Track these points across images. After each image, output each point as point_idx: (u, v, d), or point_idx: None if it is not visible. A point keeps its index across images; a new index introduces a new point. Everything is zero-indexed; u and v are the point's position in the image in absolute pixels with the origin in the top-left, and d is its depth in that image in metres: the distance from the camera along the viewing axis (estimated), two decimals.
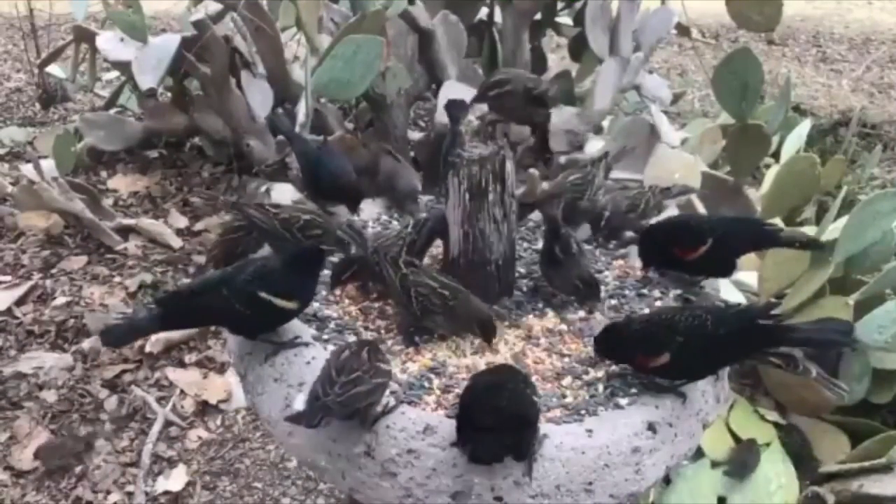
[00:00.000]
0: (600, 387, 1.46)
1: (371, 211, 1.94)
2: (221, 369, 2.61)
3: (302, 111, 2.48)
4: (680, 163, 2.70)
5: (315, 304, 1.60)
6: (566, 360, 1.52)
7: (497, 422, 1.24)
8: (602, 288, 1.68)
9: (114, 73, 3.95)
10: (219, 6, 3.06)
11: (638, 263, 1.80)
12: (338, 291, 1.64)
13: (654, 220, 1.79)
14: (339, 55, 2.36)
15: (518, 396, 1.30)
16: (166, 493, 2.28)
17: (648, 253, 1.72)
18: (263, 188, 2.52)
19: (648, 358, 1.42)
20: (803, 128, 3.00)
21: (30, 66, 4.13)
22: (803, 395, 2.37)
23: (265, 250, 1.75)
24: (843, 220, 2.37)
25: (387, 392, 1.36)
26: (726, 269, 1.74)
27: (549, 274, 1.68)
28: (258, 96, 3.09)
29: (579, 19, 3.23)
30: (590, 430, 1.34)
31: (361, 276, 1.64)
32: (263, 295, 1.43)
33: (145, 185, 3.46)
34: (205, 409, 2.52)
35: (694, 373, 1.44)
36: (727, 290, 2.29)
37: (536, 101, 1.70)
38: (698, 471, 2.23)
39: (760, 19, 2.85)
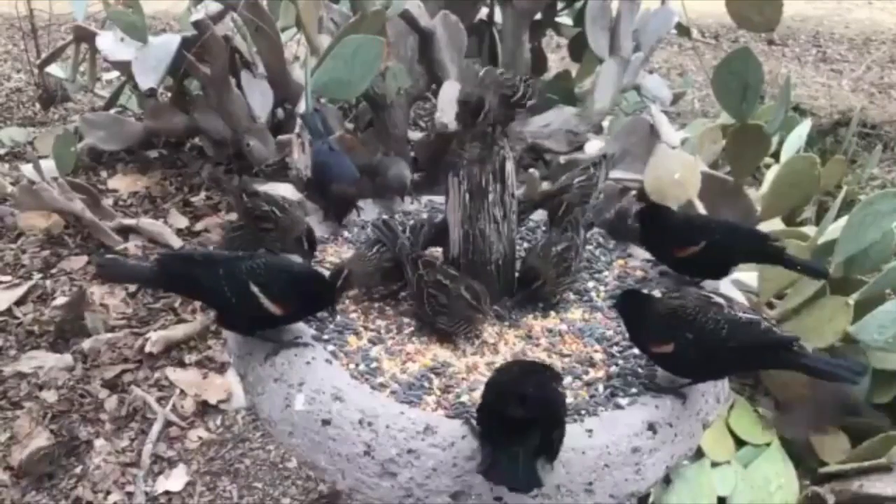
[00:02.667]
0: (600, 387, 1.46)
1: (372, 211, 1.95)
2: (221, 369, 2.61)
3: (302, 111, 2.48)
4: (680, 163, 2.69)
5: None
6: (566, 360, 1.52)
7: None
8: (603, 290, 1.69)
9: (114, 73, 3.95)
10: (219, 6, 3.06)
11: (638, 263, 1.80)
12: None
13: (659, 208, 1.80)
14: (339, 55, 2.35)
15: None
16: (166, 493, 2.27)
17: (646, 237, 1.74)
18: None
19: (655, 343, 1.43)
20: (803, 128, 2.99)
21: (30, 66, 4.13)
22: (803, 395, 2.37)
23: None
24: (843, 220, 2.37)
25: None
26: (717, 273, 1.74)
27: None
28: (258, 96, 3.10)
29: (579, 19, 3.23)
30: (590, 431, 1.34)
31: (351, 285, 1.62)
32: (254, 289, 1.43)
33: (145, 185, 3.46)
34: (205, 409, 2.52)
35: (693, 372, 1.44)
36: (727, 290, 2.28)
37: (516, 106, 1.69)
38: (698, 471, 2.22)
39: (760, 19, 2.85)
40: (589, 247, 1.84)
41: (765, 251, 1.73)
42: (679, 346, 1.39)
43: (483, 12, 3.42)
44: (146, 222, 3.15)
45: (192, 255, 1.55)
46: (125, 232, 3.13)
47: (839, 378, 1.40)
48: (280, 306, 1.44)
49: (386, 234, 1.71)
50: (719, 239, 1.68)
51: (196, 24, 2.94)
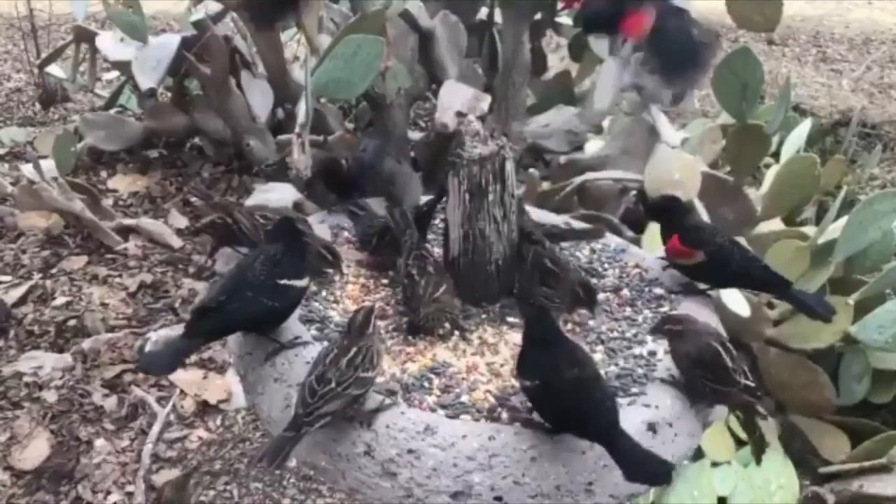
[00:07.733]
0: None
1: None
2: (221, 369, 2.61)
3: (302, 111, 2.48)
4: (680, 163, 2.69)
5: (316, 304, 1.60)
6: None
7: None
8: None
9: (114, 73, 3.95)
10: (219, 6, 3.06)
11: (638, 263, 1.80)
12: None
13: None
14: (339, 55, 2.35)
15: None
16: None
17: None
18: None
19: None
20: (803, 128, 2.99)
21: (30, 66, 4.13)
22: (803, 395, 2.37)
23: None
24: (843, 220, 2.37)
25: (371, 394, 1.35)
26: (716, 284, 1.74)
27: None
28: (258, 96, 3.10)
29: (579, 19, 3.23)
30: None
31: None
32: (283, 282, 1.45)
33: (145, 185, 3.46)
34: (205, 409, 2.52)
35: None
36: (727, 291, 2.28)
37: None
38: (698, 471, 2.23)
39: (760, 19, 2.84)
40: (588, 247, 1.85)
41: (767, 280, 1.69)
42: None
43: (483, 12, 3.42)
44: (146, 222, 3.15)
45: (211, 304, 1.47)
46: (125, 232, 3.13)
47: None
48: (302, 277, 1.48)
49: (398, 221, 1.72)
50: (719, 254, 1.63)
51: (196, 24, 2.95)
